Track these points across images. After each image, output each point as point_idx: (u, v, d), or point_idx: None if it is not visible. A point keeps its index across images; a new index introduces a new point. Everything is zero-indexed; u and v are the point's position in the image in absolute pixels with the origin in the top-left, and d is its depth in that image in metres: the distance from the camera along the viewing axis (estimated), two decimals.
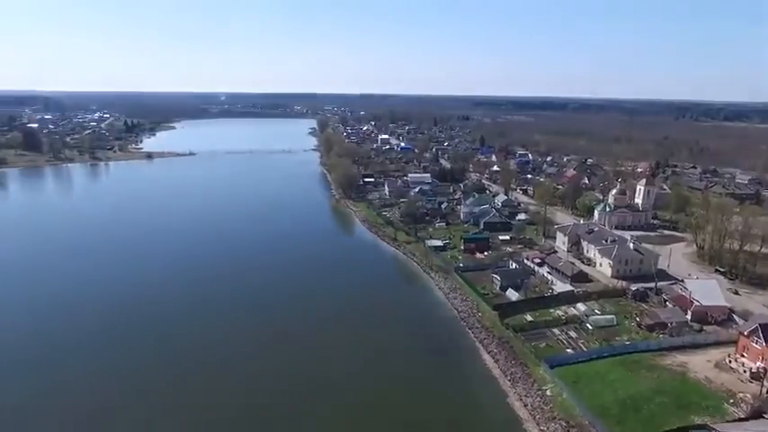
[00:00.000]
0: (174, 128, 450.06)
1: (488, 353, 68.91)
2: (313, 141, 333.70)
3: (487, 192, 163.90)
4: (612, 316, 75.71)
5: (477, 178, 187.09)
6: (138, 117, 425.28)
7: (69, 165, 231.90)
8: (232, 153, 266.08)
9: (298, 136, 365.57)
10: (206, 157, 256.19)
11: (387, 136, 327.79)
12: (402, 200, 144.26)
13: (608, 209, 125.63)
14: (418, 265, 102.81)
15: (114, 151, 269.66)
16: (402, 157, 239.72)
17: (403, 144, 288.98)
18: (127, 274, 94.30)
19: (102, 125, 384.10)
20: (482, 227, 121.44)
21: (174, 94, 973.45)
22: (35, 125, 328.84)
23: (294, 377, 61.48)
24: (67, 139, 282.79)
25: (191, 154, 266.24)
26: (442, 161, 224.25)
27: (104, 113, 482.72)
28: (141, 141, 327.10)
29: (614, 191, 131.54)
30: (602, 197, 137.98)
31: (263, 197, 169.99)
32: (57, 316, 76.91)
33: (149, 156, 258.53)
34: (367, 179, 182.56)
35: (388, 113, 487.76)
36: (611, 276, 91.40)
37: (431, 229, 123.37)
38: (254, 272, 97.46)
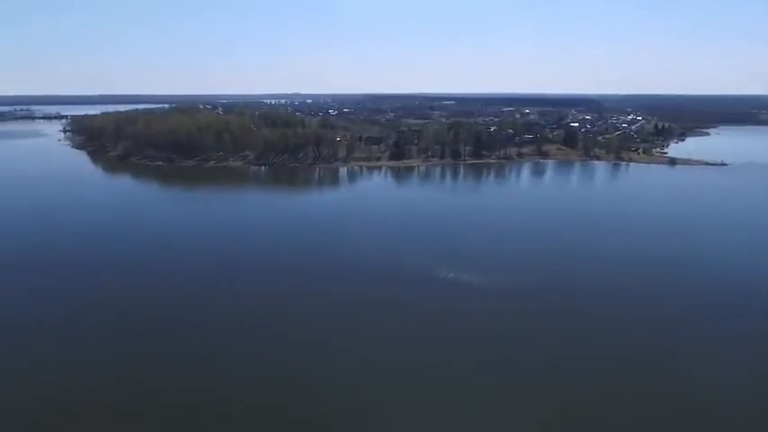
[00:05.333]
0: (707, 134, 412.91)
1: None
2: None
3: None
4: None
5: None
6: (669, 121, 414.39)
7: (595, 162, 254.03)
8: None
9: None
10: (739, 169, 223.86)
11: None
12: None
13: None
14: None
15: (638, 153, 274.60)
16: None
17: None
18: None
19: (633, 127, 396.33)
20: None
21: (712, 98, 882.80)
22: (576, 124, 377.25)
23: None
24: (599, 138, 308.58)
25: (721, 164, 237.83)
26: None
27: (637, 116, 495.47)
28: (668, 146, 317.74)
29: None
30: None
31: None
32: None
33: (672, 161, 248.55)
34: None
35: None
36: None
37: None
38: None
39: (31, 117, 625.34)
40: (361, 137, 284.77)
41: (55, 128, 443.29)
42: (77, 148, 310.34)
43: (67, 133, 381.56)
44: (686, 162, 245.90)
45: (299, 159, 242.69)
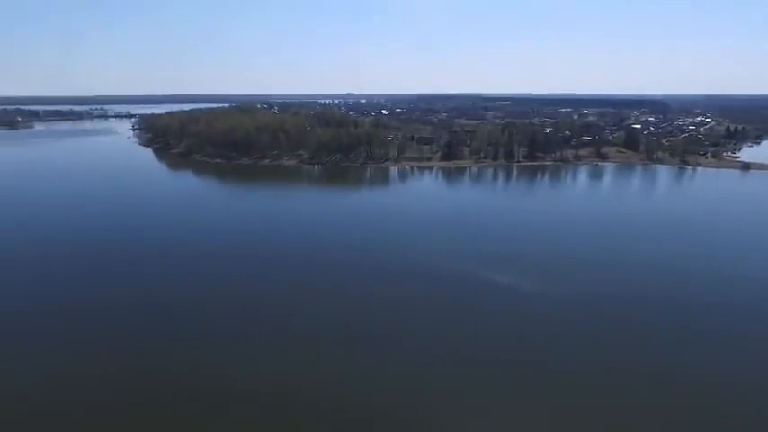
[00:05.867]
0: None
1: None
2: None
3: None
4: None
5: None
6: (743, 123, 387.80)
7: (658, 166, 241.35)
8: None
9: None
10: None
11: None
12: None
13: None
14: None
15: (706, 157, 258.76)
16: None
17: None
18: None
19: (701, 129, 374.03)
20: None
21: None
22: (638, 126, 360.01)
23: None
24: (663, 141, 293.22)
25: None
26: None
27: (706, 117, 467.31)
28: (740, 150, 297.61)
29: None
30: None
31: None
32: None
33: (746, 166, 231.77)
34: None
35: None
36: None
37: None
38: None
39: (104, 116, 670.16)
40: (413, 137, 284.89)
41: (125, 126, 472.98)
42: (144, 146, 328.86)
43: (136, 131, 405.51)
44: (761, 167, 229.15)
45: (351, 159, 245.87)
